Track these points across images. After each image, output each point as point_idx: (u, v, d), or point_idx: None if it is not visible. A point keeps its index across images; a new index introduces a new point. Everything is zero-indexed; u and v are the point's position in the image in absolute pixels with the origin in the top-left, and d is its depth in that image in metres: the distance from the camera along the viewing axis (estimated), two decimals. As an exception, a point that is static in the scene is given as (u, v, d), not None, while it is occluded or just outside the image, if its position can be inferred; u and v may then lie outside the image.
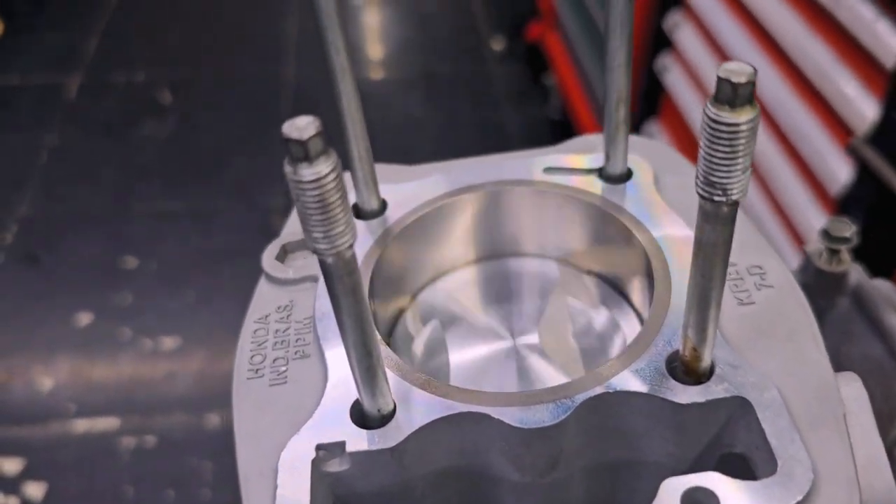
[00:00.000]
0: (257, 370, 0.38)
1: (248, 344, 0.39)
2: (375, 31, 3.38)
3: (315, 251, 0.28)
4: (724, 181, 0.27)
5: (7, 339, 2.08)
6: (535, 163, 0.45)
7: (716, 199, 0.27)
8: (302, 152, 0.25)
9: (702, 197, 0.28)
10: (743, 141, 0.26)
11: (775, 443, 0.31)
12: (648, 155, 0.45)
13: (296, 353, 0.38)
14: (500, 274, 0.44)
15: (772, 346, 0.35)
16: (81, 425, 1.90)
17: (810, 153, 1.23)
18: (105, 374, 2.01)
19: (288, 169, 0.26)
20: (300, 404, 0.36)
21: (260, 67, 3.04)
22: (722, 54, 1.51)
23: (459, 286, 0.44)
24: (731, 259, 0.32)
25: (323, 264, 0.28)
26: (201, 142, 2.70)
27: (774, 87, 1.32)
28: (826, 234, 0.51)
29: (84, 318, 2.13)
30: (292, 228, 0.45)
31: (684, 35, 1.66)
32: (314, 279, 0.42)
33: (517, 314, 0.41)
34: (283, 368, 0.38)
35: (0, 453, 1.85)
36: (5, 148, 2.66)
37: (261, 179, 2.55)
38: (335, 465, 0.33)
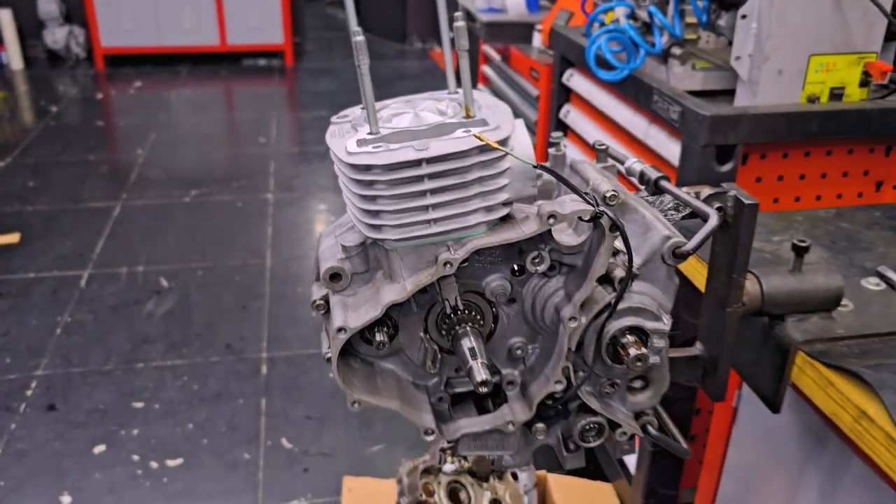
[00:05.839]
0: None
1: None
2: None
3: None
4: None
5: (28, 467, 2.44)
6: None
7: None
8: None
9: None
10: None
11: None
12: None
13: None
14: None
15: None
16: (98, 529, 2.24)
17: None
18: (115, 489, 2.37)
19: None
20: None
21: (243, 259, 3.66)
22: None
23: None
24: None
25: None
26: (196, 315, 3.23)
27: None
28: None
29: (98, 448, 2.52)
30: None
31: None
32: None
33: None
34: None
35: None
36: (24, 327, 3.13)
37: (248, 341, 3.06)
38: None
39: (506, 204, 0.75)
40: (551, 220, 0.74)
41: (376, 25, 8.29)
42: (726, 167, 1.60)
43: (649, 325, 0.80)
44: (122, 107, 6.02)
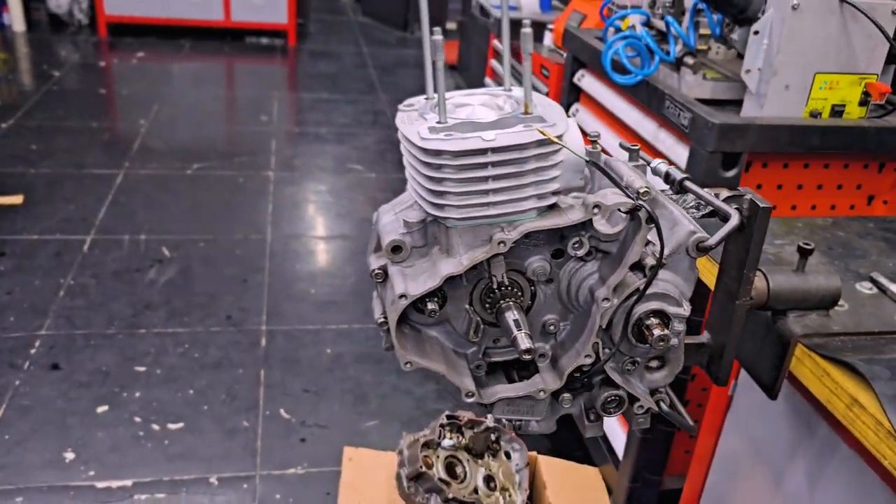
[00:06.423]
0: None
1: None
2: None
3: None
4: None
5: (32, 423, 2.51)
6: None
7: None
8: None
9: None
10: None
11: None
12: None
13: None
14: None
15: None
16: (100, 485, 2.32)
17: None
18: (118, 448, 2.44)
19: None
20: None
21: (244, 234, 3.73)
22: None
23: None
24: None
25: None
26: (197, 285, 3.30)
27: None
28: None
29: (101, 408, 2.59)
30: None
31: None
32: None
33: None
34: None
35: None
36: (28, 287, 3.18)
37: (248, 313, 3.14)
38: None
39: (555, 193, 0.84)
40: (595, 210, 0.83)
41: (378, 11, 8.34)
42: (730, 173, 1.70)
43: (672, 309, 0.89)
44: (124, 76, 6.04)
